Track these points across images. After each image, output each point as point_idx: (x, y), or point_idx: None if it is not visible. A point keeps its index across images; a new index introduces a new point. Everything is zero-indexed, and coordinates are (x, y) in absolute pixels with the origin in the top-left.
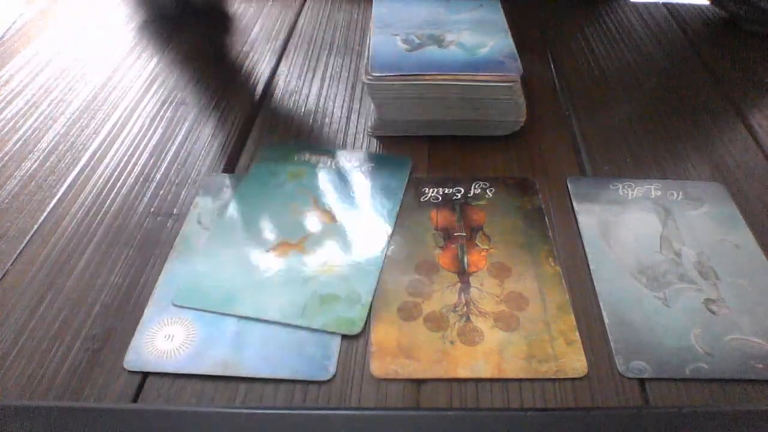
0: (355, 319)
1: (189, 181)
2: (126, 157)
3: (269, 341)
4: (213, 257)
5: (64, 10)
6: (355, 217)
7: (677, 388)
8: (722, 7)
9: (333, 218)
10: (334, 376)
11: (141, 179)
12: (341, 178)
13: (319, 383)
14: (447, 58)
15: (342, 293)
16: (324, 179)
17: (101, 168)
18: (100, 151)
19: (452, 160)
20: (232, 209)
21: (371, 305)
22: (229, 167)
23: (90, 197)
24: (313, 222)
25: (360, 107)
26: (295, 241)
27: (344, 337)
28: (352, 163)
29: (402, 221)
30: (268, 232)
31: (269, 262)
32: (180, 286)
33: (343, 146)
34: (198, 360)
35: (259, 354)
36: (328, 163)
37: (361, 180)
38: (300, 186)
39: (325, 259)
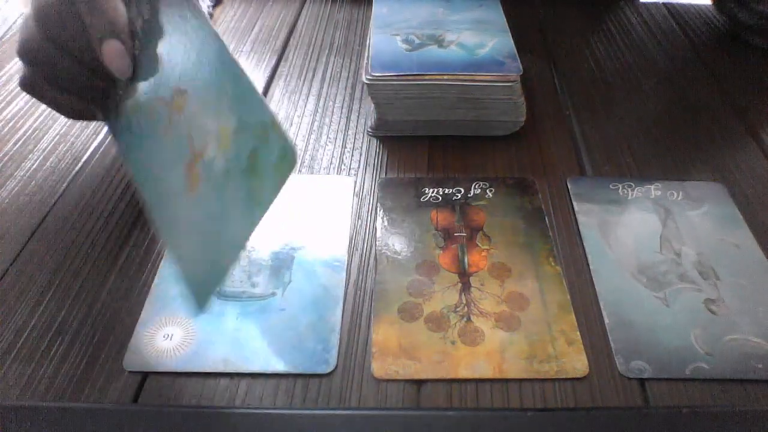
0: (284, 146)
1: None
2: None
3: (268, 336)
4: (177, 249)
5: None
6: (191, 67)
7: (677, 388)
8: (723, 11)
9: (183, 93)
10: (335, 369)
11: None
12: (153, 54)
13: (320, 377)
14: (447, 58)
15: (251, 142)
16: (147, 69)
17: (101, 168)
18: (100, 151)
19: (452, 160)
20: (149, 205)
21: (274, 120)
22: None
23: (90, 197)
24: (178, 120)
25: (360, 107)
26: (189, 156)
27: (343, 329)
28: (144, 25)
29: (402, 221)
30: (172, 177)
31: (200, 200)
32: (194, 296)
33: (344, 146)
34: (198, 358)
35: (259, 349)
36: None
37: (162, 34)
38: (144, 107)
39: (215, 135)
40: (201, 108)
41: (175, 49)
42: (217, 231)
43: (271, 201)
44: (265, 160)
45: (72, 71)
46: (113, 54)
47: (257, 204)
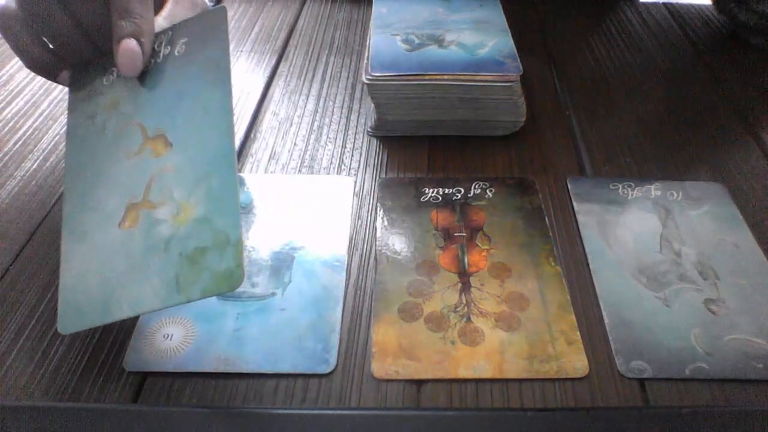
0: (232, 269)
1: None
2: None
3: (268, 336)
4: (73, 263)
5: None
6: (187, 126)
7: (677, 388)
8: (722, 11)
9: (167, 143)
10: (335, 369)
11: None
12: (160, 84)
13: (320, 377)
14: (447, 58)
15: (207, 241)
16: (140, 90)
17: None
18: None
19: (452, 160)
20: (67, 193)
21: (240, 240)
22: None
23: None
24: (148, 162)
25: (360, 107)
26: (139, 198)
27: (343, 329)
28: (163, 49)
29: (402, 221)
30: (111, 203)
31: (125, 242)
32: (60, 312)
33: (344, 146)
34: (198, 358)
35: (259, 349)
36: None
37: (175, 66)
38: (121, 117)
39: (175, 205)
40: (177, 173)
41: (186, 95)
42: (124, 280)
43: (192, 299)
44: (209, 264)
45: (65, 30)
46: (127, 52)
47: (178, 290)
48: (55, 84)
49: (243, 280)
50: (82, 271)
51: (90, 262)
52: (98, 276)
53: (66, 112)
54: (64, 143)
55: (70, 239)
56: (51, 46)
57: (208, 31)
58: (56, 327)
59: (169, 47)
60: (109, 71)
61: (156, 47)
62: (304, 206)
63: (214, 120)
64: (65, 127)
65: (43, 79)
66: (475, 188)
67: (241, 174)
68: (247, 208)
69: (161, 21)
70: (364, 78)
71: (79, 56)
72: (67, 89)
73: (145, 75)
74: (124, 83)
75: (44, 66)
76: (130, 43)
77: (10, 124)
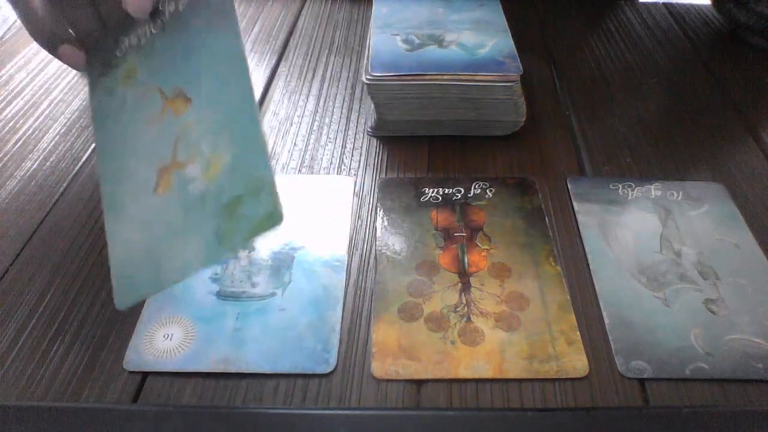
0: (271, 211)
1: None
2: None
3: (269, 336)
4: (117, 239)
5: None
6: (203, 79)
7: (677, 388)
8: (722, 11)
9: (186, 100)
10: (335, 369)
11: None
12: (171, 43)
13: (320, 377)
14: (447, 58)
15: (240, 189)
16: (155, 59)
17: None
18: None
19: (452, 160)
20: (101, 170)
21: (273, 182)
22: None
23: (90, 197)
24: (171, 122)
25: (360, 107)
26: (169, 161)
27: (343, 329)
28: (167, 6)
29: (402, 221)
30: (143, 171)
31: (162, 207)
32: (115, 288)
33: (344, 146)
34: (198, 358)
35: (259, 349)
36: (148, 34)
37: (182, 22)
38: (138, 86)
39: (204, 160)
40: (200, 126)
41: (197, 48)
42: (168, 245)
43: (236, 249)
44: (247, 212)
45: (85, 16)
46: None
47: (221, 244)
48: (55, 84)
49: (283, 219)
50: (127, 244)
51: (133, 233)
52: (143, 246)
53: (87, 95)
54: (63, 143)
55: (111, 216)
56: (72, 31)
57: None
58: (56, 328)
59: (173, 3)
60: (120, 41)
61: (160, 6)
62: (304, 206)
63: (228, 67)
64: (70, 142)
65: (44, 79)
66: (475, 188)
67: None
68: None
69: None
70: (364, 78)
71: (95, 37)
72: (75, 73)
73: (155, 38)
74: (136, 50)
75: (50, 37)
76: None
77: (10, 124)
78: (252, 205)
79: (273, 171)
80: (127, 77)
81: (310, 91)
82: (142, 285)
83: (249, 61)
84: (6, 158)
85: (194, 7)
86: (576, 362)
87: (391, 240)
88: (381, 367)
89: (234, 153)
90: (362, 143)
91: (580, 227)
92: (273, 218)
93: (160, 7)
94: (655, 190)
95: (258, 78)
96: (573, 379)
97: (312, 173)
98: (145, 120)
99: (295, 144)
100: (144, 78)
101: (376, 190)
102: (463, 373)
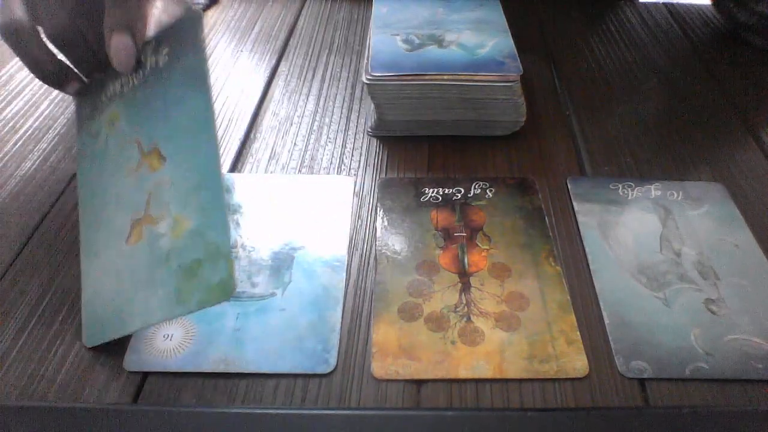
0: (225, 279)
1: None
2: None
3: (269, 336)
4: (90, 280)
5: None
6: (177, 137)
7: (677, 388)
8: (722, 11)
9: (161, 157)
10: (335, 369)
11: None
12: (151, 96)
13: (320, 377)
14: (447, 58)
15: (201, 253)
16: (135, 108)
17: None
18: None
19: (452, 160)
20: (81, 212)
21: (230, 252)
22: (233, 167)
23: None
24: (146, 177)
25: (360, 107)
26: (142, 214)
27: (343, 329)
28: (150, 60)
29: (402, 221)
30: (118, 220)
31: (132, 257)
32: (84, 326)
33: (344, 146)
34: (198, 358)
35: (259, 349)
36: (131, 83)
37: (162, 77)
38: (119, 133)
39: (172, 219)
40: (171, 186)
41: (173, 106)
42: (133, 294)
43: (191, 311)
44: (204, 276)
45: (73, 36)
46: (120, 47)
47: (178, 302)
48: None
49: (235, 290)
50: (98, 287)
51: (104, 278)
52: (112, 291)
53: (73, 128)
54: (63, 143)
55: (86, 258)
56: (63, 58)
57: (185, 38)
58: (56, 328)
59: (154, 58)
60: (107, 86)
61: (143, 59)
62: (304, 206)
63: (199, 128)
64: (70, 143)
65: None
66: (475, 188)
67: (235, 173)
68: (233, 209)
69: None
70: (364, 78)
71: (88, 67)
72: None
73: (137, 88)
74: (120, 98)
75: (55, 78)
76: (122, 37)
77: (10, 124)
78: (210, 270)
79: (230, 241)
80: (110, 123)
81: (310, 91)
82: (108, 328)
83: (249, 61)
84: (6, 158)
85: (173, 65)
86: (576, 362)
87: (391, 240)
88: (381, 367)
89: (198, 219)
90: (362, 143)
91: (580, 227)
92: (226, 287)
93: (142, 59)
94: (655, 190)
95: (258, 78)
96: (573, 379)
97: (312, 173)
98: (124, 169)
99: (295, 144)
100: (124, 126)
101: (376, 190)
102: (463, 373)
